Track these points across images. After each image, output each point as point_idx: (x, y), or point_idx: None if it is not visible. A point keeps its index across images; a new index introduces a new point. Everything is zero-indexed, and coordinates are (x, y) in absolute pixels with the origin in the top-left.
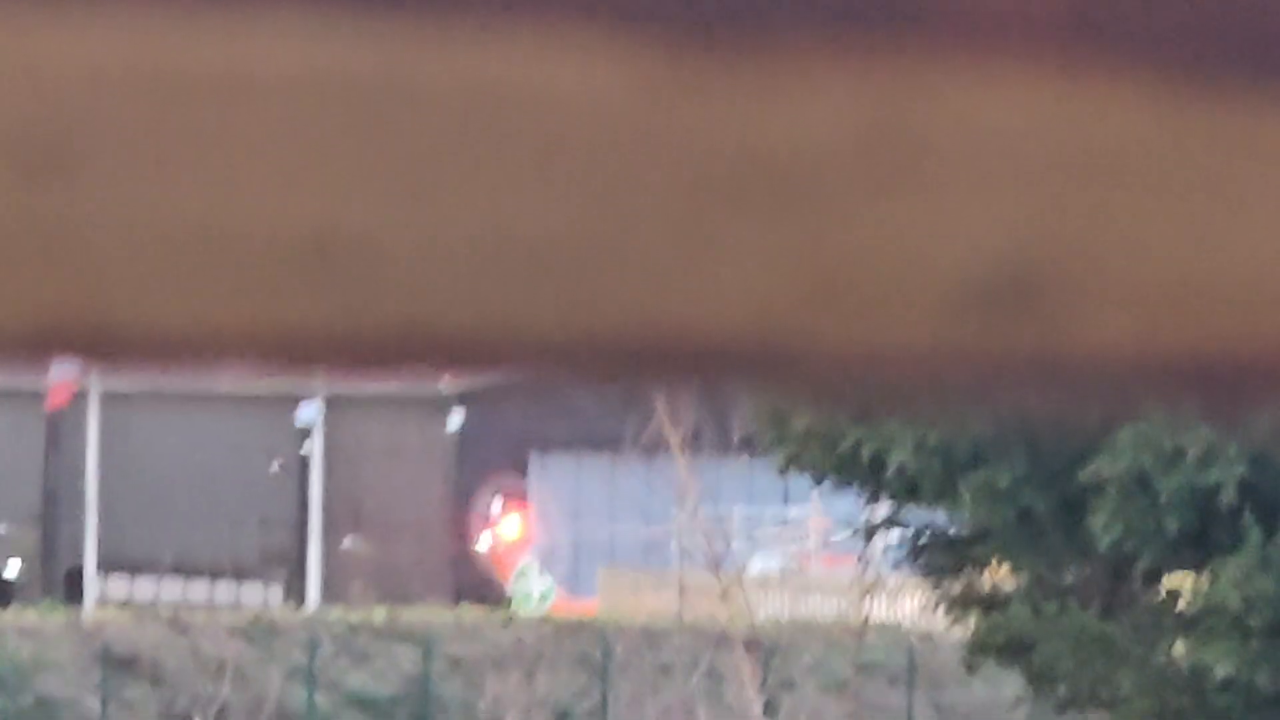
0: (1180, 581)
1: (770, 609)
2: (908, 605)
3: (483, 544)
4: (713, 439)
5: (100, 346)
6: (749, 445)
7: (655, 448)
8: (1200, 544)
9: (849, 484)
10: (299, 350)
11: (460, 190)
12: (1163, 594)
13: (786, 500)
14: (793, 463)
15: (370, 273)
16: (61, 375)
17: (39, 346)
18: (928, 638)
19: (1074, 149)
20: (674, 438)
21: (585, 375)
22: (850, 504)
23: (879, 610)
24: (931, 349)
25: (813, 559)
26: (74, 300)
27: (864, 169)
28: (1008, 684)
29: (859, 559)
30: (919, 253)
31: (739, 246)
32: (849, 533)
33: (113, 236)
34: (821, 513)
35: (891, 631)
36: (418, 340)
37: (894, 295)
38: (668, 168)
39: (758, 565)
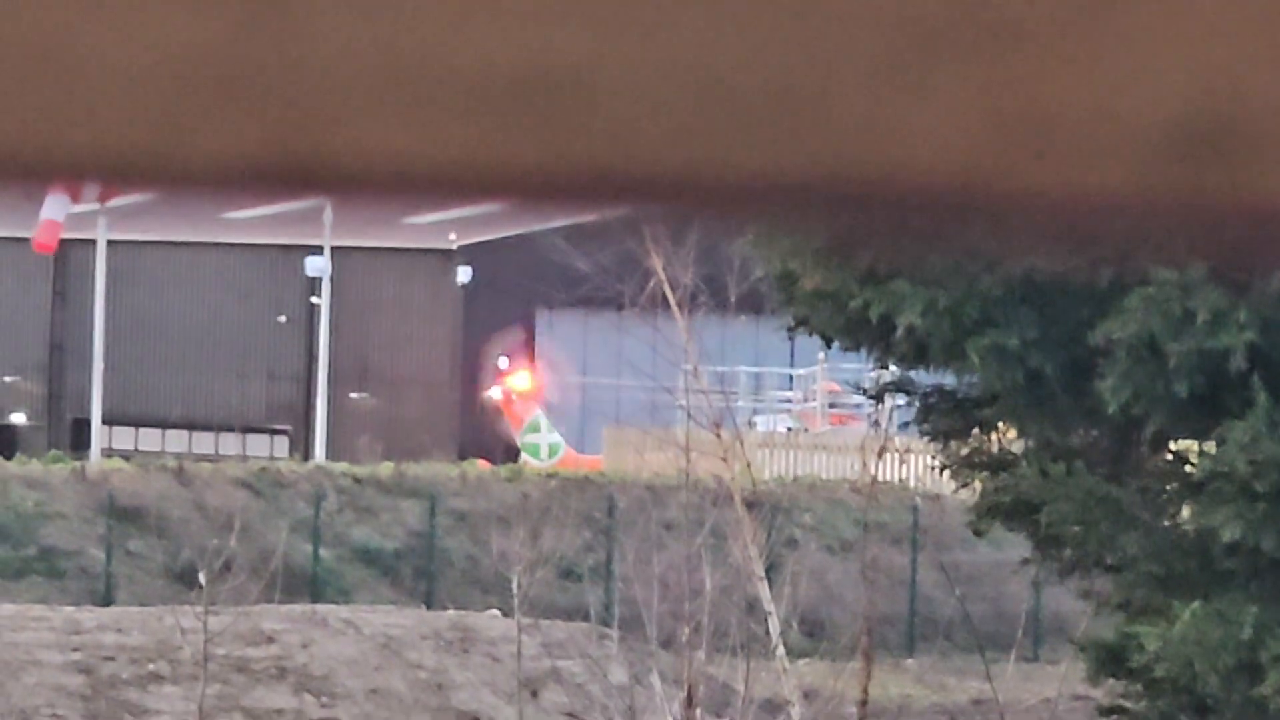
0: (1188, 446)
1: (776, 468)
2: (913, 466)
3: (492, 398)
4: (715, 299)
5: (317, 179)
6: (754, 305)
7: (658, 307)
8: (1208, 409)
9: (857, 346)
10: (510, 184)
11: (674, 30)
12: (1170, 458)
13: (793, 361)
14: (801, 324)
15: (585, 106)
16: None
17: (260, 179)
18: (932, 499)
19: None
20: (673, 297)
21: (787, 218)
22: (857, 365)
23: (885, 471)
24: (1129, 194)
25: (819, 419)
26: (293, 134)
27: (1064, 15)
28: (1012, 546)
29: (865, 420)
30: (1117, 99)
31: (942, 92)
32: (856, 394)
33: (330, 71)
34: (828, 374)
35: (896, 492)
36: (623, 179)
37: (1093, 140)
38: (873, 13)
39: (764, 425)
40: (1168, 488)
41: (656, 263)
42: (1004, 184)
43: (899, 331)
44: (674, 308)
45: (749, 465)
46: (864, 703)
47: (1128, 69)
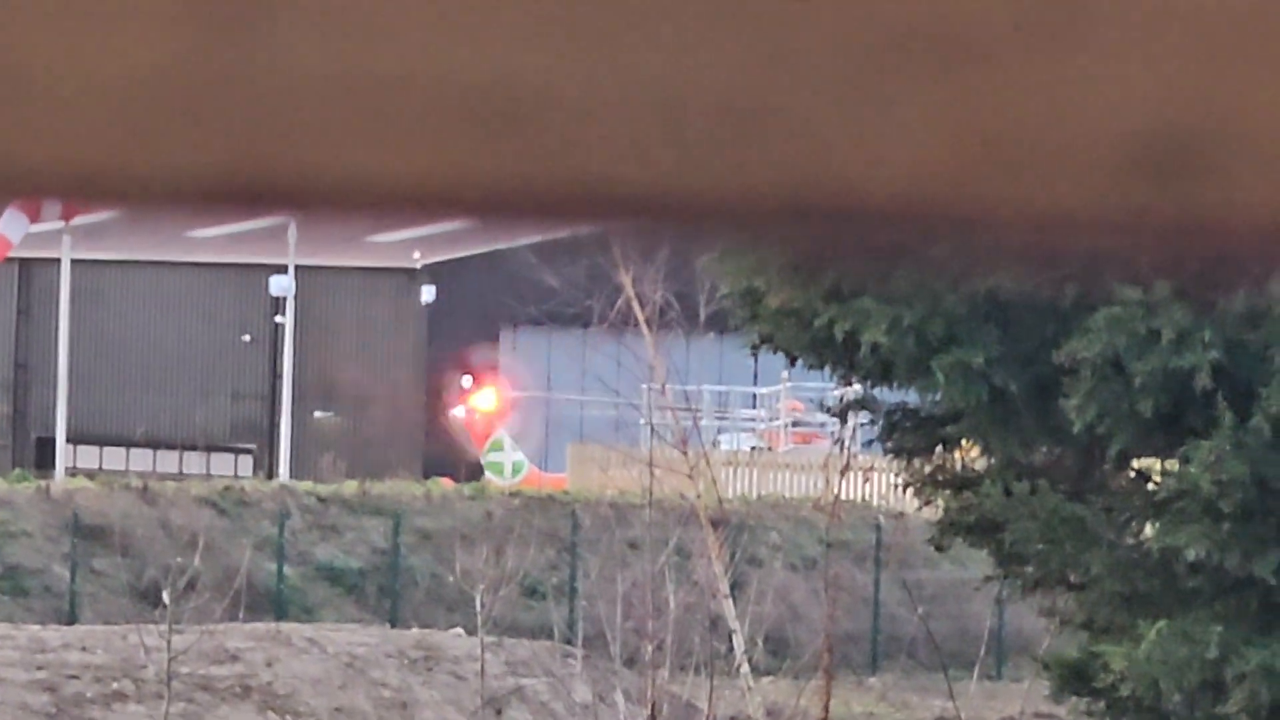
0: (1152, 465)
1: (739, 486)
2: (877, 485)
3: (456, 417)
4: (683, 316)
5: (280, 196)
6: (720, 324)
7: (625, 324)
8: (1173, 428)
9: (822, 363)
10: (475, 202)
11: (636, 49)
12: (1134, 476)
13: (756, 380)
14: (766, 341)
15: (548, 124)
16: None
17: (224, 197)
18: (895, 517)
19: (1233, 13)
20: (641, 315)
21: (751, 236)
22: (820, 384)
23: (848, 489)
24: (1089, 211)
25: (782, 438)
26: (262, 150)
27: (1024, 34)
28: (975, 564)
29: (829, 439)
30: (1079, 115)
31: (902, 108)
32: (820, 412)
33: (294, 89)
34: (791, 393)
35: (860, 510)
36: (588, 196)
37: (1054, 158)
38: (834, 30)
39: (727, 443)
40: (1132, 506)
41: (625, 279)
42: (966, 202)
43: (863, 349)
44: (642, 324)
45: (715, 483)
46: (824, 718)
47: (1088, 87)
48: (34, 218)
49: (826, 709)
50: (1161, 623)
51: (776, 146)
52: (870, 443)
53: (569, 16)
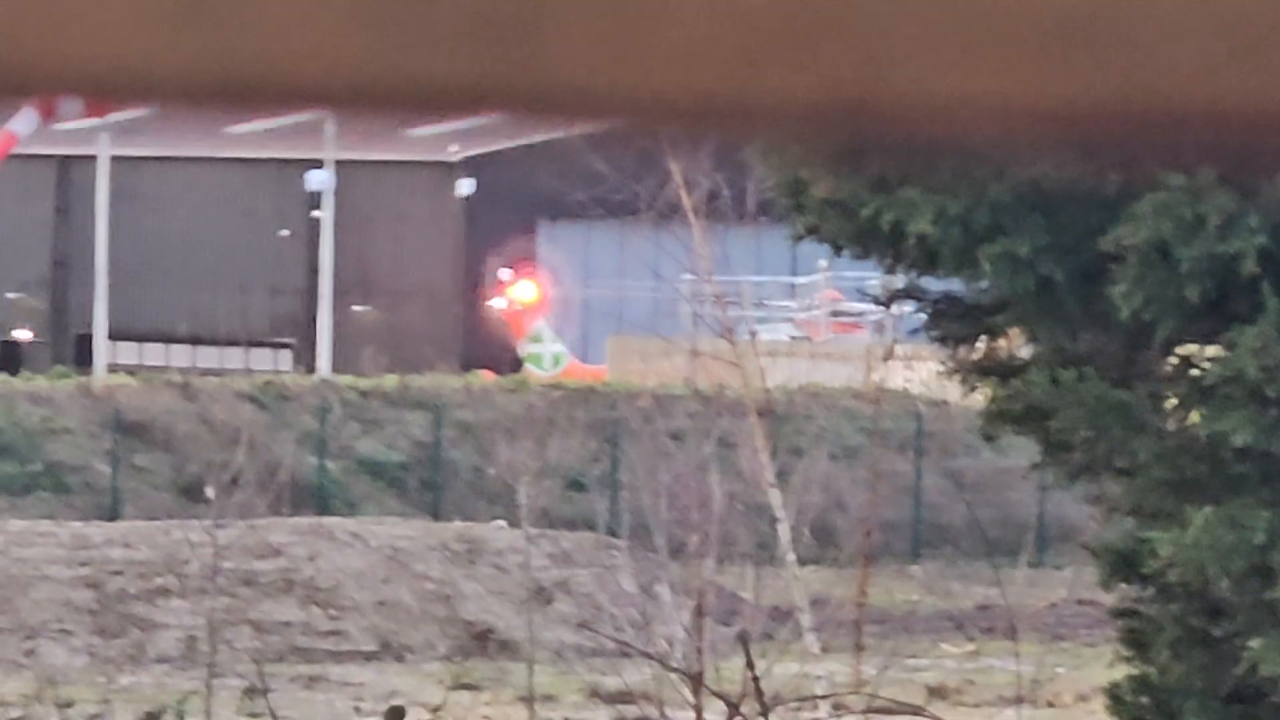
0: (1198, 351)
1: (780, 376)
2: (918, 374)
3: (495, 309)
4: (725, 205)
5: (877, 114)
6: (761, 213)
7: (665, 215)
8: (1219, 314)
9: (867, 253)
10: (1055, 122)
11: None
12: (1181, 363)
13: (795, 270)
14: (811, 232)
15: (1126, 46)
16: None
17: (828, 113)
18: (937, 405)
19: None
20: (689, 202)
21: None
22: (858, 273)
23: (890, 378)
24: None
25: (822, 327)
26: (856, 68)
27: None
28: (1016, 452)
29: (868, 329)
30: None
31: None
32: (866, 300)
33: (900, 12)
34: (830, 282)
35: (901, 399)
36: (1152, 111)
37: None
38: None
39: (767, 334)
40: (1178, 393)
41: (674, 166)
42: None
43: (909, 239)
44: (689, 212)
45: (761, 372)
46: (862, 605)
47: None
48: (46, 115)
49: (863, 596)
50: (1208, 509)
51: None
52: (915, 331)
53: None
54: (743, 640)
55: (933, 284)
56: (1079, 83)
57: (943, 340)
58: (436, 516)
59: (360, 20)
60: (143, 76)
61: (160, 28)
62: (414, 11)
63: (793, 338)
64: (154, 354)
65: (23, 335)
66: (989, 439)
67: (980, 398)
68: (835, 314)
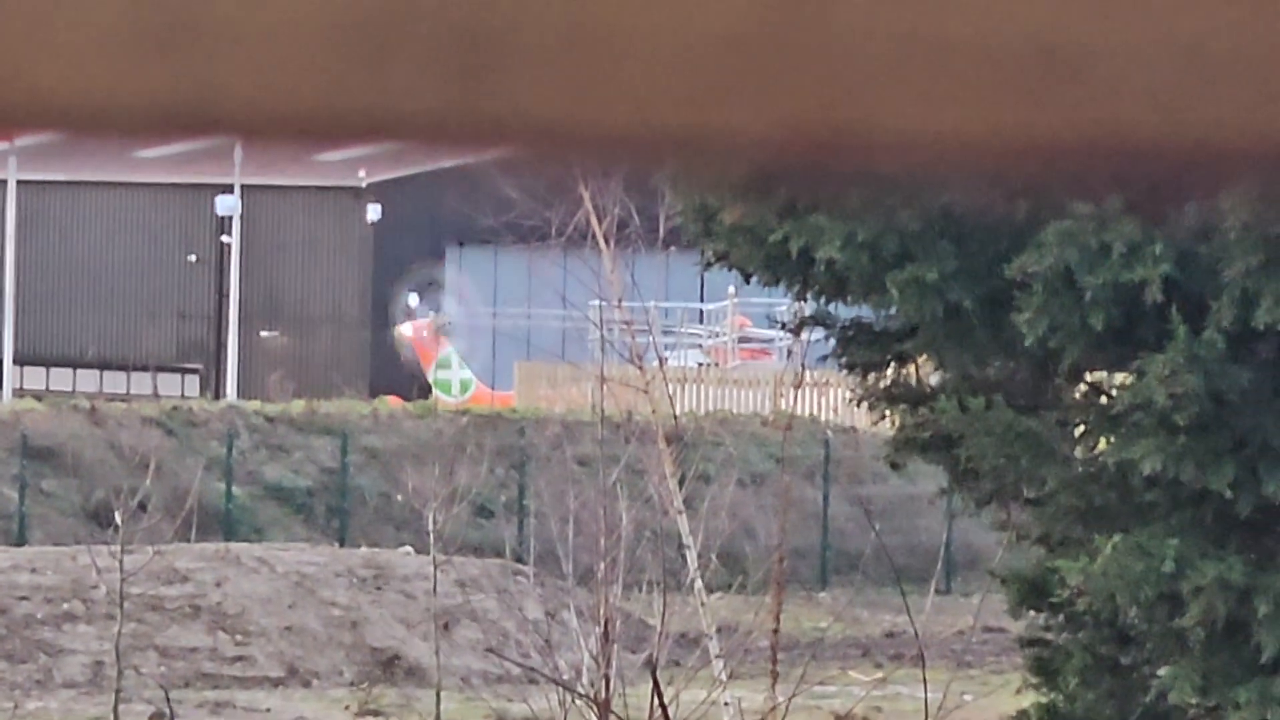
0: (1105, 378)
1: (689, 402)
2: (828, 400)
3: (403, 335)
4: (634, 232)
5: (838, 146)
6: (670, 239)
7: (575, 241)
8: (1125, 341)
9: (776, 279)
10: (1013, 155)
11: (1170, 5)
12: (1089, 391)
13: (704, 296)
14: (720, 258)
15: (1086, 79)
16: None
17: (780, 145)
18: (845, 432)
19: None
20: (598, 228)
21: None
22: (767, 300)
23: (797, 405)
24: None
25: (729, 354)
26: (817, 104)
27: None
28: (924, 479)
29: (775, 355)
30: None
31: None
32: (775, 327)
33: (859, 47)
34: (738, 309)
35: (809, 426)
36: (1140, 144)
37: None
38: None
39: (675, 360)
40: (1086, 420)
41: (584, 192)
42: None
43: (818, 265)
44: (600, 238)
45: (669, 399)
46: (776, 631)
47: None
48: None
49: (777, 623)
50: (1117, 537)
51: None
52: (824, 358)
53: None
54: (650, 667)
55: (842, 310)
56: (1040, 116)
57: (851, 367)
58: (343, 542)
59: (329, 51)
60: (109, 107)
61: (127, 58)
62: (382, 42)
63: (701, 364)
64: (61, 379)
65: None
66: (895, 466)
67: (889, 425)
68: (744, 340)
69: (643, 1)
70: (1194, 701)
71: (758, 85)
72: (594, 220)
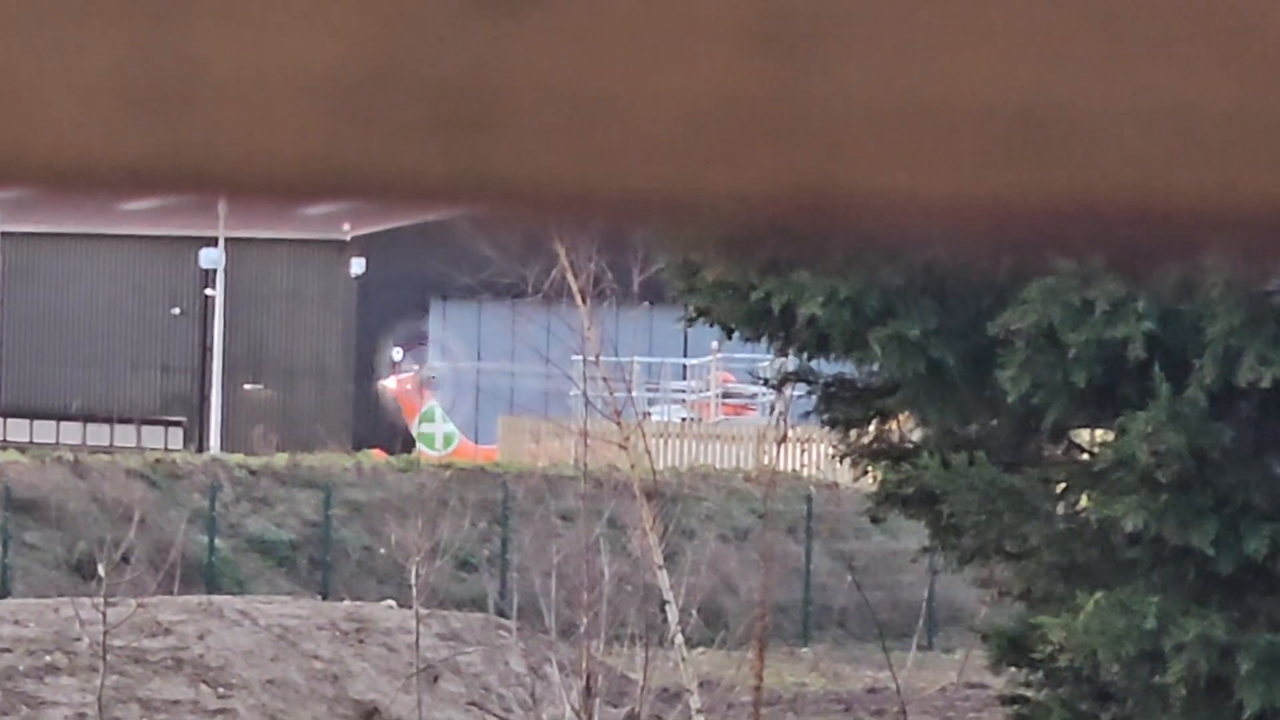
0: (1088, 436)
1: (670, 458)
2: (810, 456)
3: (386, 389)
4: (615, 287)
5: (827, 210)
6: (653, 295)
7: (557, 296)
8: (1108, 398)
9: (758, 335)
10: (996, 216)
11: (1158, 67)
12: (1071, 448)
13: (686, 351)
14: (703, 314)
15: (1076, 142)
16: None
17: (772, 207)
18: (828, 488)
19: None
20: (575, 285)
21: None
22: (750, 355)
23: (780, 461)
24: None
25: (712, 409)
26: (808, 167)
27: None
28: (907, 535)
29: (759, 410)
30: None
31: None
32: (751, 384)
33: (848, 110)
34: (722, 364)
35: (791, 481)
36: (1124, 207)
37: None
38: None
39: (658, 415)
40: (1069, 477)
41: (560, 250)
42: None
43: (800, 321)
44: (576, 295)
45: (649, 454)
46: (758, 687)
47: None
48: None
49: (760, 679)
50: (1099, 593)
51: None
52: (807, 414)
53: (1090, 39)
54: None
55: (824, 366)
56: (1022, 178)
57: (834, 423)
58: (326, 595)
59: (323, 111)
60: (98, 168)
61: (116, 117)
62: (378, 103)
63: (684, 419)
64: (45, 431)
65: None
66: (876, 521)
67: (871, 480)
68: (726, 395)
69: (630, 65)
70: None
71: (748, 148)
72: (570, 277)
